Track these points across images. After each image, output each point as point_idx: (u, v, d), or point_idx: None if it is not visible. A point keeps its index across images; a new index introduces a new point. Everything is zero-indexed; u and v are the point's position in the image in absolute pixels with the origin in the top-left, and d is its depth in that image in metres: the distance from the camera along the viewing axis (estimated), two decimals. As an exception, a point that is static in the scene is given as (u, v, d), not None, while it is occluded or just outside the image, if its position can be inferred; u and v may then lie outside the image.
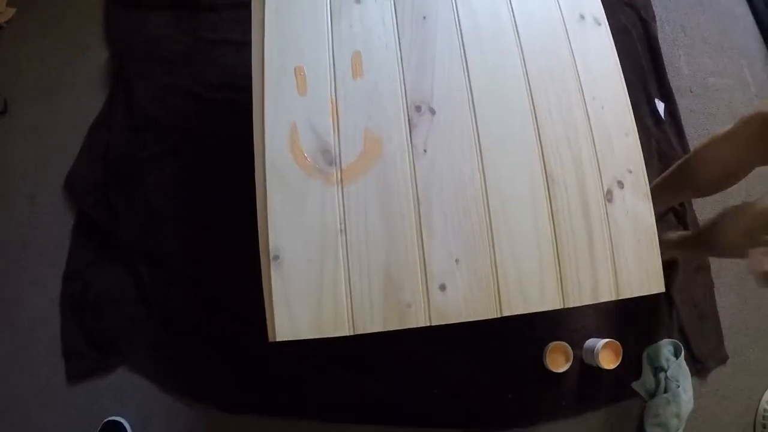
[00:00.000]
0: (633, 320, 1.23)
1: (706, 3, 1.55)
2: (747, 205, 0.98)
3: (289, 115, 0.91)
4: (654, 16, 1.48)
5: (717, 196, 1.23)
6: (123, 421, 1.07)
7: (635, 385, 1.21)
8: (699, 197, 1.27)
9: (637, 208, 1.02)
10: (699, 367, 1.26)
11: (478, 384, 1.14)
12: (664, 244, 1.12)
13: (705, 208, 1.38)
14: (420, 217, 0.89)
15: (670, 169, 1.17)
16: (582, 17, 1.10)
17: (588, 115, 1.02)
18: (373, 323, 0.85)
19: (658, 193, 1.07)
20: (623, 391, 1.21)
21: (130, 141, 1.20)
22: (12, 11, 1.32)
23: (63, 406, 1.11)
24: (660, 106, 1.39)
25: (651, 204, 1.04)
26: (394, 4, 1.01)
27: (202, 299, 1.12)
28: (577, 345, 1.19)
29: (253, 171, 0.91)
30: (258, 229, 0.87)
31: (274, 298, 0.83)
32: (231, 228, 1.16)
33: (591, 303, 0.95)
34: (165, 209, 1.17)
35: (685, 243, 1.19)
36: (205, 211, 1.18)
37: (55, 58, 1.30)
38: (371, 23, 0.99)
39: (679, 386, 1.18)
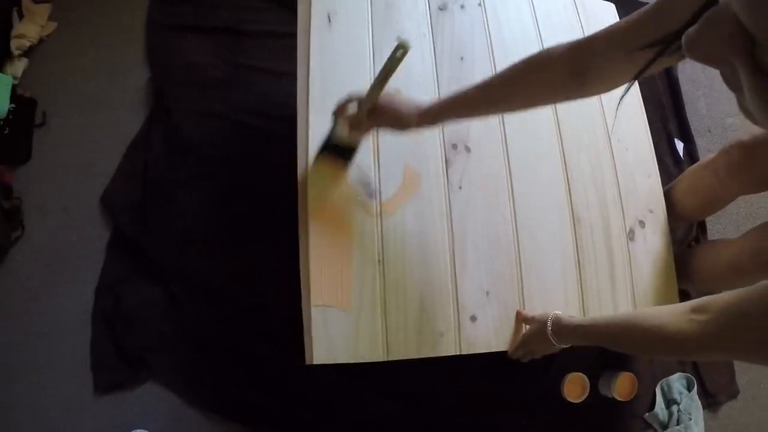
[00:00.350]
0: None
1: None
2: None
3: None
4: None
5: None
6: None
7: (648, 417, 1.25)
8: (683, 223, 1.31)
9: (657, 246, 1.08)
10: (711, 401, 1.30)
11: (497, 411, 1.18)
12: None
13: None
14: (454, 251, 0.94)
15: None
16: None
17: (614, 157, 1.07)
18: (408, 350, 0.89)
19: None
20: (637, 422, 1.25)
21: (168, 162, 1.24)
22: (53, 26, 1.36)
23: (90, 417, 1.13)
24: (679, 145, 1.44)
25: (670, 241, 1.09)
26: (434, 44, 1.07)
27: (232, 319, 1.16)
28: (593, 376, 1.23)
29: (289, 196, 0.95)
30: (299, 257, 0.91)
31: (313, 323, 0.86)
32: (265, 252, 1.20)
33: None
34: (200, 231, 1.21)
35: None
36: (240, 235, 1.22)
37: (94, 75, 1.34)
38: (412, 62, 1.04)
39: (691, 419, 1.22)
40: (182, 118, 1.25)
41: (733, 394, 1.32)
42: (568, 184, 1.03)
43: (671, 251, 1.09)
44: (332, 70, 1.00)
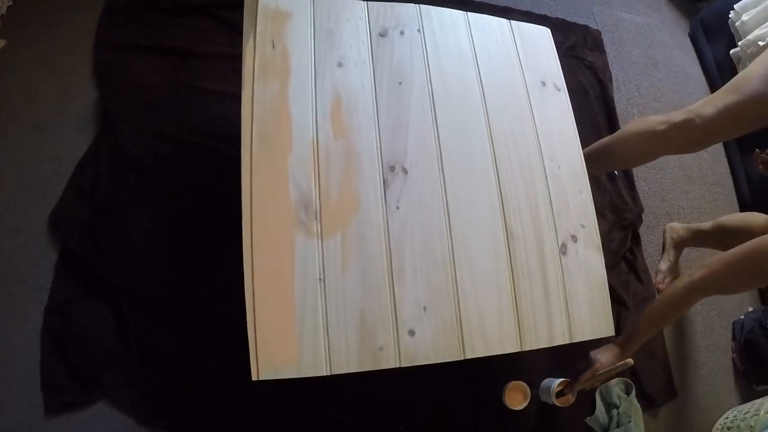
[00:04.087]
0: (587, 361, 1.40)
1: (661, 63, 1.78)
2: None
3: (275, 171, 1.06)
4: (611, 78, 1.69)
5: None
6: None
7: (589, 421, 1.38)
8: (607, 171, 1.56)
9: (589, 259, 1.21)
10: (649, 404, 1.44)
11: (442, 420, 1.29)
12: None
13: (655, 259, 1.58)
14: (392, 269, 1.05)
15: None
16: (543, 84, 1.29)
17: (546, 174, 1.20)
18: (349, 365, 0.99)
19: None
20: (578, 426, 1.38)
21: (116, 182, 1.32)
22: (2, 42, 1.42)
23: (39, 439, 1.20)
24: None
25: (602, 255, 1.22)
26: (373, 70, 1.17)
27: (183, 338, 1.24)
28: (534, 384, 1.35)
29: (235, 216, 1.04)
30: (243, 274, 1.00)
31: (258, 341, 0.96)
32: (213, 271, 1.29)
33: (546, 346, 1.12)
34: (148, 250, 1.29)
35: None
36: (188, 254, 1.30)
37: (43, 94, 1.40)
38: (352, 86, 1.15)
39: (630, 421, 1.36)
40: (129, 137, 1.33)
41: (672, 395, 1.46)
42: (502, 201, 1.15)
43: (603, 264, 1.22)
44: (273, 93, 1.10)
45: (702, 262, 1.13)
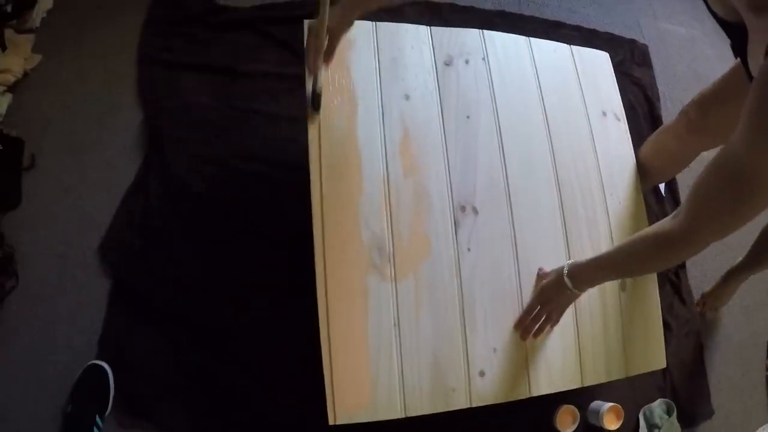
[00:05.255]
0: (632, 383, 1.46)
1: (704, 77, 1.78)
2: None
3: (346, 213, 1.06)
4: (658, 95, 1.70)
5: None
6: (105, 365, 1.22)
7: (632, 441, 1.44)
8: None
9: (646, 293, 1.24)
10: (688, 423, 1.50)
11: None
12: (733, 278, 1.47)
13: (701, 281, 1.63)
14: (464, 311, 1.07)
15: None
16: (604, 114, 1.30)
17: (608, 212, 1.22)
18: (423, 407, 1.02)
19: None
20: (622, 447, 1.44)
21: (167, 209, 1.31)
22: (38, 58, 1.37)
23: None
24: (661, 186, 1.62)
25: (657, 290, 1.26)
26: (441, 103, 1.17)
27: (244, 371, 1.26)
28: (583, 407, 1.40)
29: (291, 243, 1.04)
30: (319, 320, 1.02)
31: (334, 386, 0.98)
32: (264, 299, 1.30)
33: (605, 381, 1.16)
34: (203, 280, 1.29)
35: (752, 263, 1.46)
36: (239, 280, 1.31)
37: (84, 114, 1.37)
38: (419, 120, 1.15)
39: (671, 442, 1.42)
40: (179, 162, 1.32)
41: (709, 414, 1.53)
42: (567, 242, 1.17)
43: (658, 298, 1.24)
44: (341, 127, 1.09)
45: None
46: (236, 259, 1.32)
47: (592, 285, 1.06)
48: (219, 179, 1.34)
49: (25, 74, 1.37)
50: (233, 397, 1.26)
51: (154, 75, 1.39)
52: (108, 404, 1.21)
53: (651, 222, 1.29)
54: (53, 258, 1.30)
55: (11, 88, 1.35)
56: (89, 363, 1.23)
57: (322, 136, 1.09)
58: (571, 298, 1.07)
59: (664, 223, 0.87)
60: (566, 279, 1.03)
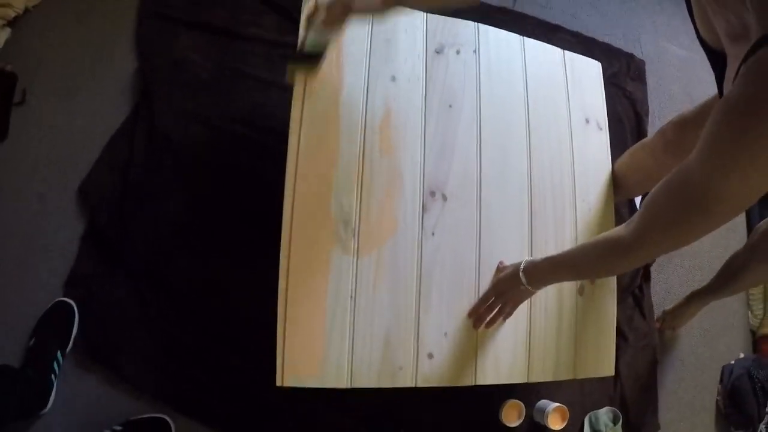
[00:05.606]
0: (583, 387, 1.50)
1: (696, 101, 1.80)
2: None
3: (319, 184, 1.09)
4: (648, 111, 1.72)
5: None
6: (72, 303, 1.25)
7: (575, 444, 1.49)
8: (623, 198, 1.56)
9: (603, 302, 1.27)
10: (634, 433, 1.55)
11: (443, 429, 1.38)
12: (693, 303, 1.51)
13: (664, 298, 1.66)
14: (420, 293, 1.10)
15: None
16: (587, 121, 1.33)
17: (576, 217, 1.25)
18: (369, 380, 1.06)
19: None
20: (564, 448, 1.48)
21: (150, 162, 1.33)
22: (39, -4, 1.40)
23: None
24: (637, 200, 1.65)
25: (615, 298, 1.29)
26: (425, 88, 1.20)
27: (203, 328, 1.29)
28: (530, 404, 1.44)
29: (267, 213, 1.06)
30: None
31: (285, 349, 1.02)
32: (239, 265, 1.33)
33: (551, 380, 1.20)
34: (176, 237, 1.31)
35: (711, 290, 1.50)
36: (216, 246, 1.33)
37: (79, 57, 1.39)
38: (402, 102, 1.17)
39: (612, 450, 1.46)
40: (167, 118, 1.34)
41: (654, 428, 1.57)
42: (531, 240, 1.20)
43: (615, 307, 1.28)
44: (325, 99, 1.11)
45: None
46: (210, 220, 1.35)
47: (546, 284, 1.09)
48: (202, 138, 1.37)
49: (26, 11, 1.39)
50: (192, 353, 1.30)
51: (152, 28, 1.41)
52: (70, 341, 1.25)
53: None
54: (33, 196, 1.33)
55: (11, 23, 1.37)
56: (56, 300, 1.26)
57: (305, 109, 1.11)
58: (525, 294, 1.10)
59: (619, 229, 0.90)
60: (522, 275, 1.06)
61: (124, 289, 1.30)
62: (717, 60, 0.80)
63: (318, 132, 1.11)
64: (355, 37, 1.18)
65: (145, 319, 1.28)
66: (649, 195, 0.83)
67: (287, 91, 1.11)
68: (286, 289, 1.04)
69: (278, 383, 1.02)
